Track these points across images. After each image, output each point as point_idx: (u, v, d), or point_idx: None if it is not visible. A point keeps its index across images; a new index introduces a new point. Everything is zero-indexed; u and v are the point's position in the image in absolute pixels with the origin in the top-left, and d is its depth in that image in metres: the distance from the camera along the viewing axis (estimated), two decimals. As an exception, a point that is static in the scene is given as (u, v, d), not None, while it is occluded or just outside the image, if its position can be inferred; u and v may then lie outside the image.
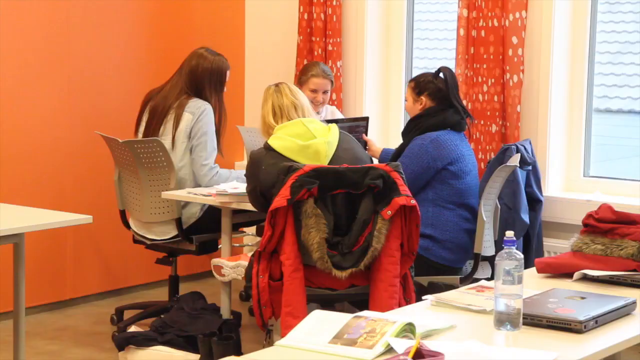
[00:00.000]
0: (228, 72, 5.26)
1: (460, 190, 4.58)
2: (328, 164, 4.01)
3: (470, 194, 4.62)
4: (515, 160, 4.78)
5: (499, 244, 4.43)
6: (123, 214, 5.35)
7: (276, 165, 3.92)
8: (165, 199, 5.03)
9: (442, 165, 4.54)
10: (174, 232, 5.14)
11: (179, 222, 5.09)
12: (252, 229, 5.93)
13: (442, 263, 4.54)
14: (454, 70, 5.46)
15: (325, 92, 5.49)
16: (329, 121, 4.40)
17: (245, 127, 5.99)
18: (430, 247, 4.52)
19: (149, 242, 5.26)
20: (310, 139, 4.06)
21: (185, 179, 5.13)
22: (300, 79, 5.52)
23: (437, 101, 4.66)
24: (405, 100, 4.80)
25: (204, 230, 5.15)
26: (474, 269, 4.54)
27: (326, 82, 5.48)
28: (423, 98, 4.68)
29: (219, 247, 5.25)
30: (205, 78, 5.17)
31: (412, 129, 4.67)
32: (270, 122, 4.24)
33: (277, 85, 4.34)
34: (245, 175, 4.25)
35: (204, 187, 5.08)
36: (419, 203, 3.87)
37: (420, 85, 4.70)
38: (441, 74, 4.69)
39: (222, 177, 5.11)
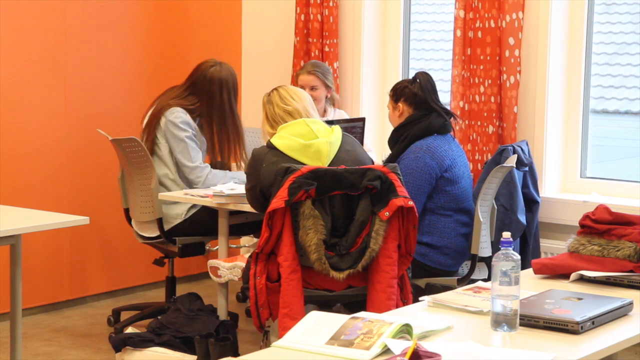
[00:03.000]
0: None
1: (456, 195, 4.56)
2: (329, 165, 4.01)
3: (466, 197, 4.61)
4: (512, 161, 4.78)
5: (496, 245, 4.43)
6: (127, 212, 5.35)
7: (277, 163, 3.92)
8: (149, 198, 5.04)
9: (440, 173, 4.53)
10: (157, 232, 5.15)
11: (160, 222, 5.09)
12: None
13: (439, 268, 4.53)
14: (450, 72, 5.48)
15: (312, 88, 5.45)
16: (327, 122, 4.40)
17: (245, 127, 5.98)
18: (427, 253, 4.51)
19: (140, 241, 5.28)
20: (312, 139, 4.05)
21: (176, 180, 5.13)
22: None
23: (415, 106, 4.62)
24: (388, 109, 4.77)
25: (190, 232, 5.14)
26: (471, 270, 4.53)
27: (310, 78, 5.44)
28: (400, 105, 4.64)
29: (208, 249, 5.26)
30: (217, 89, 5.18)
31: (399, 138, 4.64)
32: (269, 130, 4.26)
33: (269, 94, 4.32)
34: (246, 172, 4.25)
35: (200, 188, 5.08)
36: None
37: (397, 92, 4.67)
38: (417, 80, 4.67)
39: (216, 178, 5.11)
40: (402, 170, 4.47)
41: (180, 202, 5.02)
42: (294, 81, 5.68)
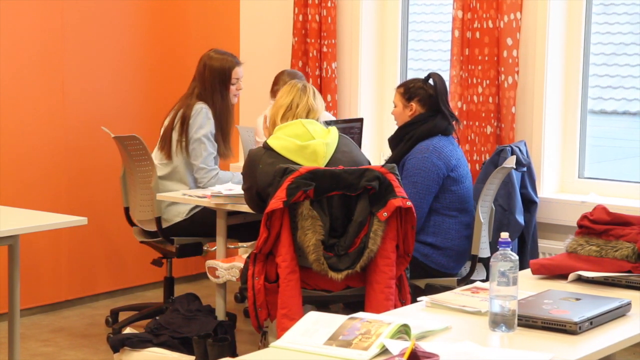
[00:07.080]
0: (236, 70, 5.22)
1: (461, 195, 4.55)
2: (326, 166, 4.01)
3: (469, 198, 4.60)
4: (511, 162, 4.78)
5: (494, 246, 4.44)
6: (127, 211, 5.33)
7: (274, 164, 3.92)
8: (149, 197, 5.04)
9: (447, 173, 4.52)
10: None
11: (158, 220, 5.09)
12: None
13: (440, 270, 4.52)
14: (448, 72, 5.48)
15: None
16: (325, 122, 4.40)
17: (244, 126, 5.98)
18: (430, 253, 4.50)
19: (139, 240, 5.28)
20: (308, 140, 4.05)
21: (182, 176, 5.13)
22: (273, 89, 5.52)
23: (427, 107, 4.63)
24: (395, 106, 4.72)
25: (189, 232, 5.13)
26: (472, 270, 4.52)
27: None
28: (413, 104, 4.63)
29: (206, 249, 5.25)
30: (209, 79, 5.16)
31: (403, 138, 4.64)
32: (276, 122, 4.23)
33: (304, 84, 4.30)
34: (242, 173, 4.25)
35: (202, 188, 5.08)
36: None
37: (410, 91, 4.65)
38: (431, 80, 4.66)
39: (221, 180, 5.10)
40: (409, 170, 4.47)
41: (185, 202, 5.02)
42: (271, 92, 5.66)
